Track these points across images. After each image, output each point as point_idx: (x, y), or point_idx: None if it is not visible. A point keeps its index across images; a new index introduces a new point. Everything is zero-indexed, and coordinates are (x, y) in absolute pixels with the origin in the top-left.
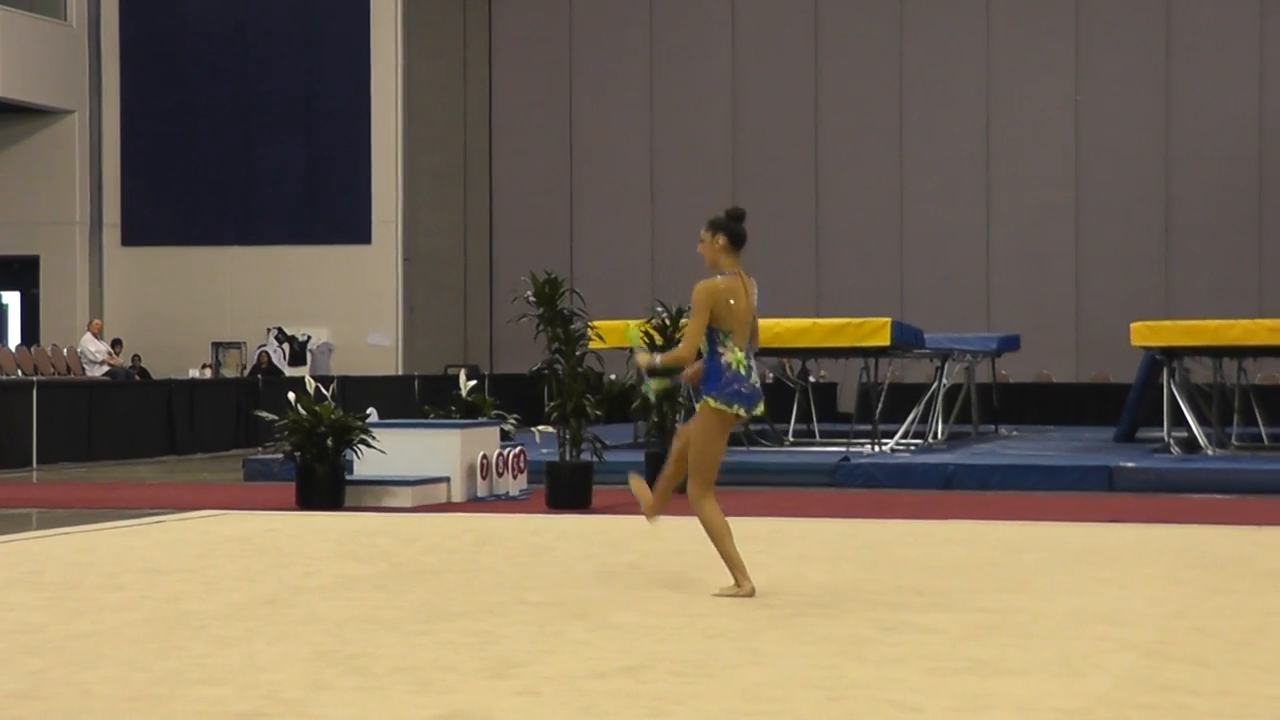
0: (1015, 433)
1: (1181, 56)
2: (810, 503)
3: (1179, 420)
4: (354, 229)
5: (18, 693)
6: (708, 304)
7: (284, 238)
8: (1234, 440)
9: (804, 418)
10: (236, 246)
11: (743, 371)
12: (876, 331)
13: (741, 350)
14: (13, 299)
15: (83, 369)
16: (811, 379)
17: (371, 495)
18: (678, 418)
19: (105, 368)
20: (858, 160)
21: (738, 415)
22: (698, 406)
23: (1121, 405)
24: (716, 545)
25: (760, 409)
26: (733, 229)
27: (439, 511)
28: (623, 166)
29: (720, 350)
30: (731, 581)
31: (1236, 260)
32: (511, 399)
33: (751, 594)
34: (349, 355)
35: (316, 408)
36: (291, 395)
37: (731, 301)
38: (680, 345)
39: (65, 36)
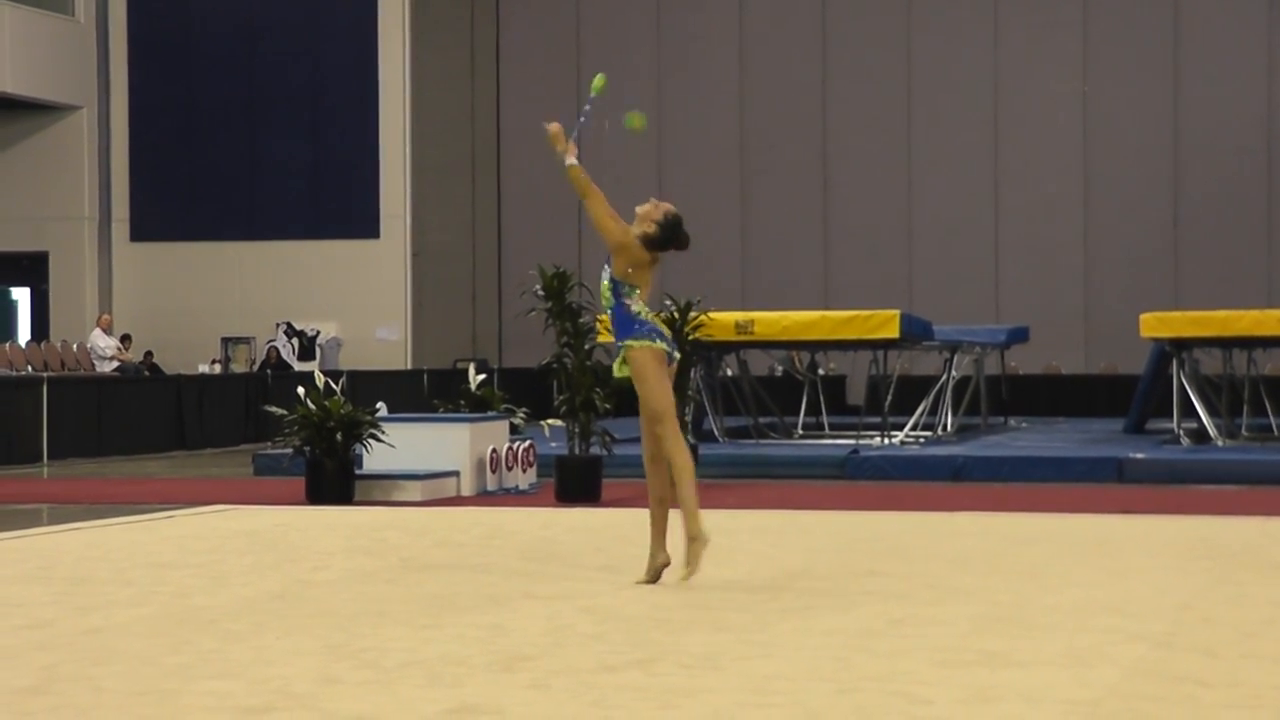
0: (1024, 424)
1: (1190, 48)
2: (819, 495)
3: (1189, 411)
4: (362, 224)
5: (28, 688)
6: (626, 236)
7: (292, 233)
8: (1244, 431)
9: (813, 410)
10: (245, 242)
11: (657, 324)
12: (885, 324)
13: (647, 304)
14: (22, 295)
15: (92, 365)
16: (820, 371)
17: (381, 489)
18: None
19: (115, 363)
20: (866, 153)
21: (665, 350)
22: (620, 361)
23: (1131, 396)
24: (682, 488)
25: (678, 356)
26: (668, 239)
27: (448, 505)
28: (630, 160)
29: (627, 301)
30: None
31: (1245, 251)
32: (520, 393)
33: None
34: (358, 350)
35: (325, 402)
36: (300, 390)
37: (646, 265)
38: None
39: (73, 32)
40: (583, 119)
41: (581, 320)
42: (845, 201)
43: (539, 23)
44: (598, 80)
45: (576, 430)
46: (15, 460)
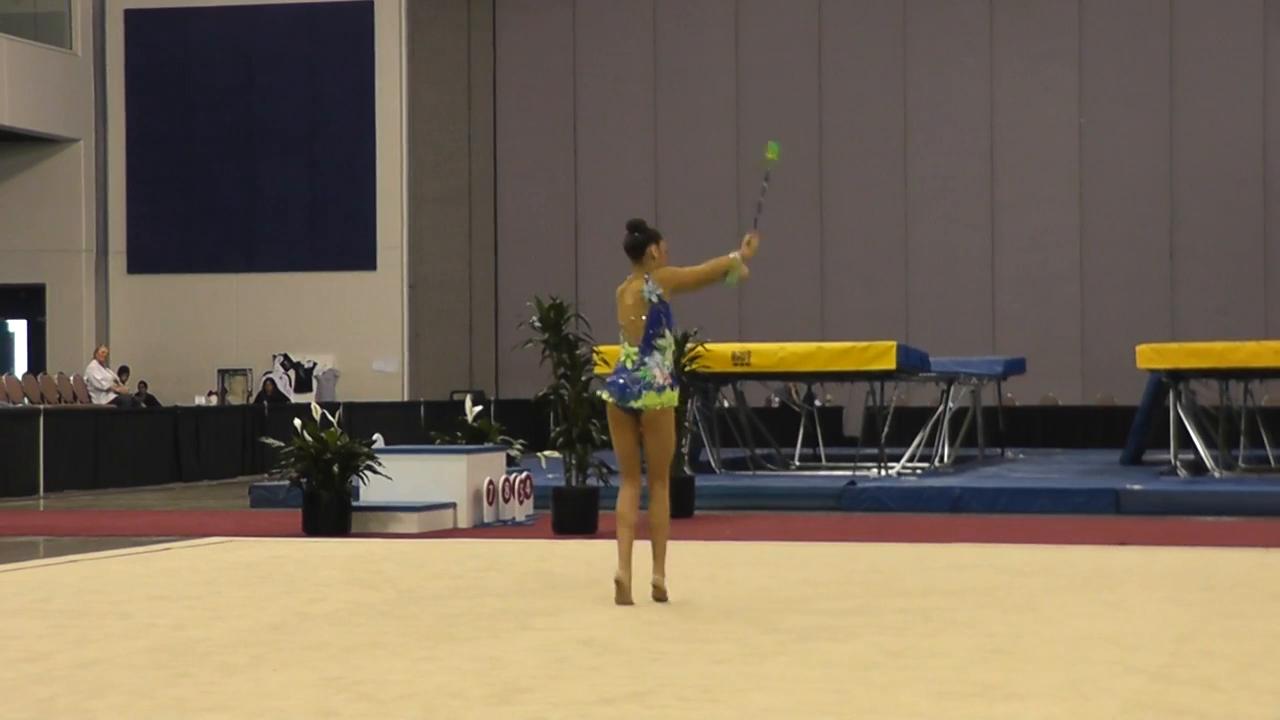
0: (1021, 456)
1: (1185, 79)
2: (816, 527)
3: (1185, 443)
4: (359, 255)
5: None
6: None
7: (289, 264)
8: (1241, 462)
9: (810, 442)
10: (242, 273)
11: (629, 365)
12: (882, 355)
13: (633, 346)
14: (19, 327)
15: (89, 396)
16: (817, 403)
17: (378, 521)
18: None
19: (111, 395)
20: (862, 184)
21: (610, 401)
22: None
23: (1128, 428)
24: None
25: (635, 404)
26: (625, 241)
27: (445, 537)
28: (627, 191)
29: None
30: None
31: (1242, 282)
32: (517, 424)
33: (618, 583)
34: (354, 381)
35: (322, 434)
36: (297, 421)
37: (617, 303)
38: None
39: (71, 65)
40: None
41: (578, 352)
42: (842, 233)
43: (535, 54)
44: (772, 151)
45: (573, 462)
46: (11, 492)
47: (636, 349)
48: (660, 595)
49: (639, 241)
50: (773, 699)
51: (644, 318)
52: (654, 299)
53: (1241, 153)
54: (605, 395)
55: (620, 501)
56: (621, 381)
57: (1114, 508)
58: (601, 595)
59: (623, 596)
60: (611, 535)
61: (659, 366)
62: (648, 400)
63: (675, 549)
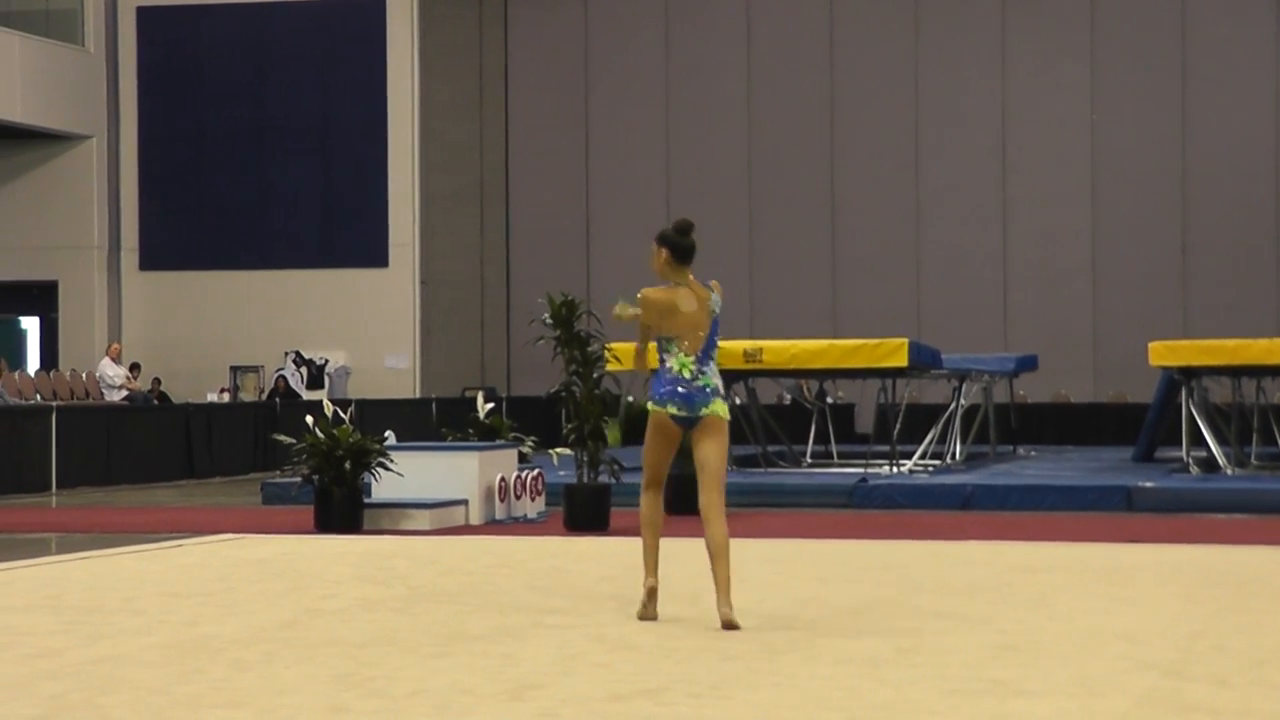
0: (1033, 453)
1: (1197, 75)
2: (828, 524)
3: (1198, 440)
4: (371, 252)
5: (37, 718)
6: (644, 316)
7: (301, 261)
8: (1253, 460)
9: (821, 439)
10: (254, 270)
11: (685, 374)
12: (894, 352)
13: (689, 355)
14: (31, 324)
15: (101, 393)
16: (829, 400)
17: (389, 518)
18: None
19: (124, 392)
20: (874, 181)
21: (671, 415)
22: None
23: (1140, 425)
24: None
25: (705, 410)
26: (675, 242)
27: (457, 534)
28: (639, 188)
29: (664, 356)
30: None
31: (1254, 278)
32: (529, 421)
33: (651, 591)
34: (366, 378)
35: (334, 431)
36: (309, 418)
37: (669, 310)
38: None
39: (83, 62)
40: None
41: (590, 348)
42: (853, 229)
43: (547, 51)
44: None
45: (585, 459)
46: (24, 489)
47: (693, 359)
48: (731, 625)
49: (693, 245)
50: (784, 696)
51: (708, 327)
52: (717, 310)
53: (1254, 148)
54: (663, 406)
55: (648, 506)
56: (683, 391)
57: (1126, 505)
58: (613, 592)
59: (650, 609)
60: (624, 533)
61: (716, 376)
62: (717, 407)
63: (686, 545)
